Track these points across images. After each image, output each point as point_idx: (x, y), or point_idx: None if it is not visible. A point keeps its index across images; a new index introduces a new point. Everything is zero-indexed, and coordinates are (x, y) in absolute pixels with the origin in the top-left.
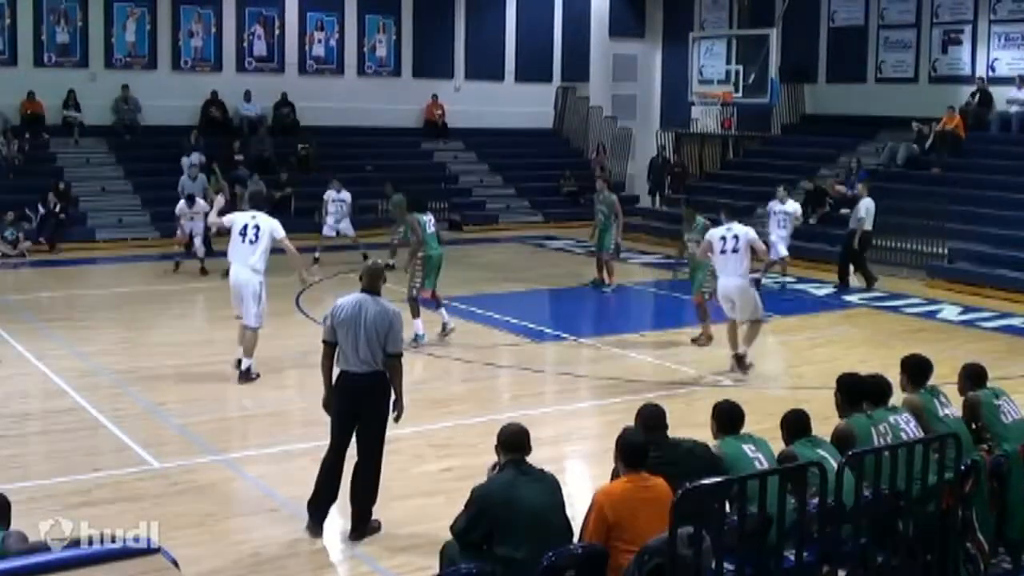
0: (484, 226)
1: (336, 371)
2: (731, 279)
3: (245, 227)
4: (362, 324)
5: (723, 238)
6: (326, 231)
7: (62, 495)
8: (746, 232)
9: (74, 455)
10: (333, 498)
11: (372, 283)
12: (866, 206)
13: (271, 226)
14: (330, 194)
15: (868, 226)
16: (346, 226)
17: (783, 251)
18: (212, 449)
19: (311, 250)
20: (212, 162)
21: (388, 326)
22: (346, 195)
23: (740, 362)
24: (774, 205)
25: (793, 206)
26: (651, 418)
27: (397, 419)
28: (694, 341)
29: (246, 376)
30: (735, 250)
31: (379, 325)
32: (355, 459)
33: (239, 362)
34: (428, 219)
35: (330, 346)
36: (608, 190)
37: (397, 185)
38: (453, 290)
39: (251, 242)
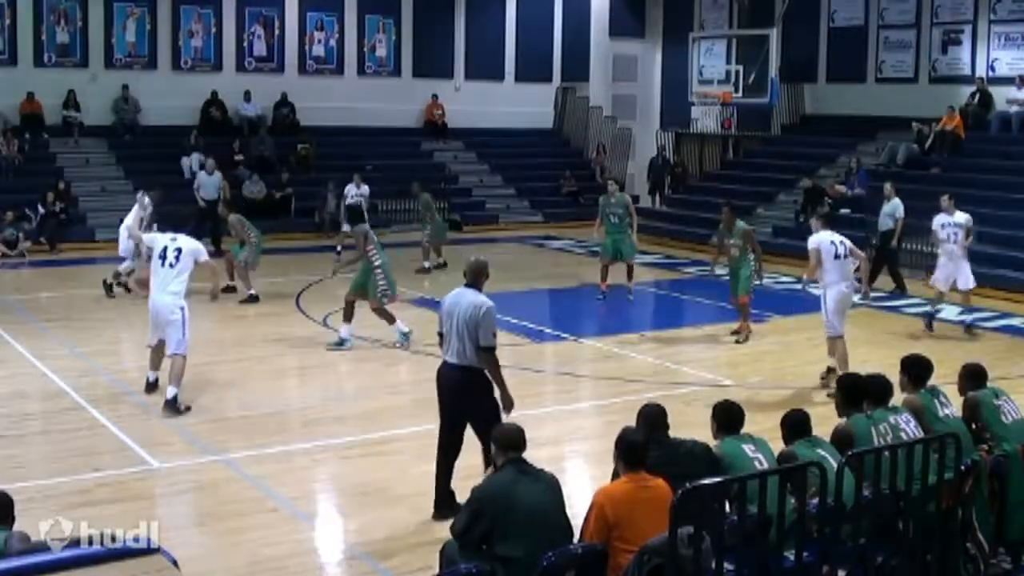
0: (484, 226)
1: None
2: (852, 283)
3: (165, 250)
4: (457, 317)
5: (833, 243)
6: (345, 227)
7: (62, 495)
8: (845, 239)
9: (74, 455)
10: (444, 493)
11: (474, 278)
12: (897, 206)
13: (193, 249)
14: (350, 189)
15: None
16: None
17: (969, 276)
18: (212, 449)
19: (332, 248)
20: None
21: (477, 320)
22: (365, 190)
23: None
24: (942, 218)
25: (964, 217)
26: (652, 417)
27: (507, 411)
28: (735, 334)
29: (172, 407)
30: (847, 255)
31: (469, 318)
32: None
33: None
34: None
35: (442, 336)
36: (620, 191)
37: (424, 185)
38: (453, 290)
39: (171, 266)
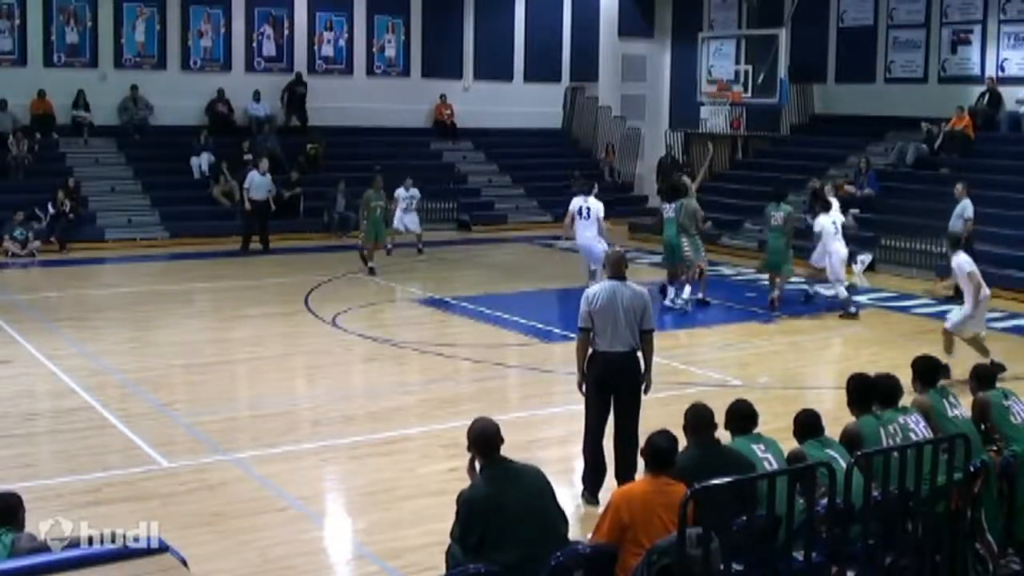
0: (493, 226)
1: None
2: None
3: (580, 209)
4: (620, 308)
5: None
6: (395, 224)
7: (71, 494)
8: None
9: (83, 454)
10: (605, 467)
11: (618, 270)
12: (966, 206)
13: (597, 207)
14: (400, 192)
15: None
16: (412, 221)
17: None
18: (220, 448)
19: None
20: (221, 162)
21: (644, 306)
22: (415, 192)
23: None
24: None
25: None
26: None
27: (646, 391)
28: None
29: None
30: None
31: (636, 306)
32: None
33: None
34: None
35: (586, 332)
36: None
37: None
38: (462, 290)
39: (585, 218)
